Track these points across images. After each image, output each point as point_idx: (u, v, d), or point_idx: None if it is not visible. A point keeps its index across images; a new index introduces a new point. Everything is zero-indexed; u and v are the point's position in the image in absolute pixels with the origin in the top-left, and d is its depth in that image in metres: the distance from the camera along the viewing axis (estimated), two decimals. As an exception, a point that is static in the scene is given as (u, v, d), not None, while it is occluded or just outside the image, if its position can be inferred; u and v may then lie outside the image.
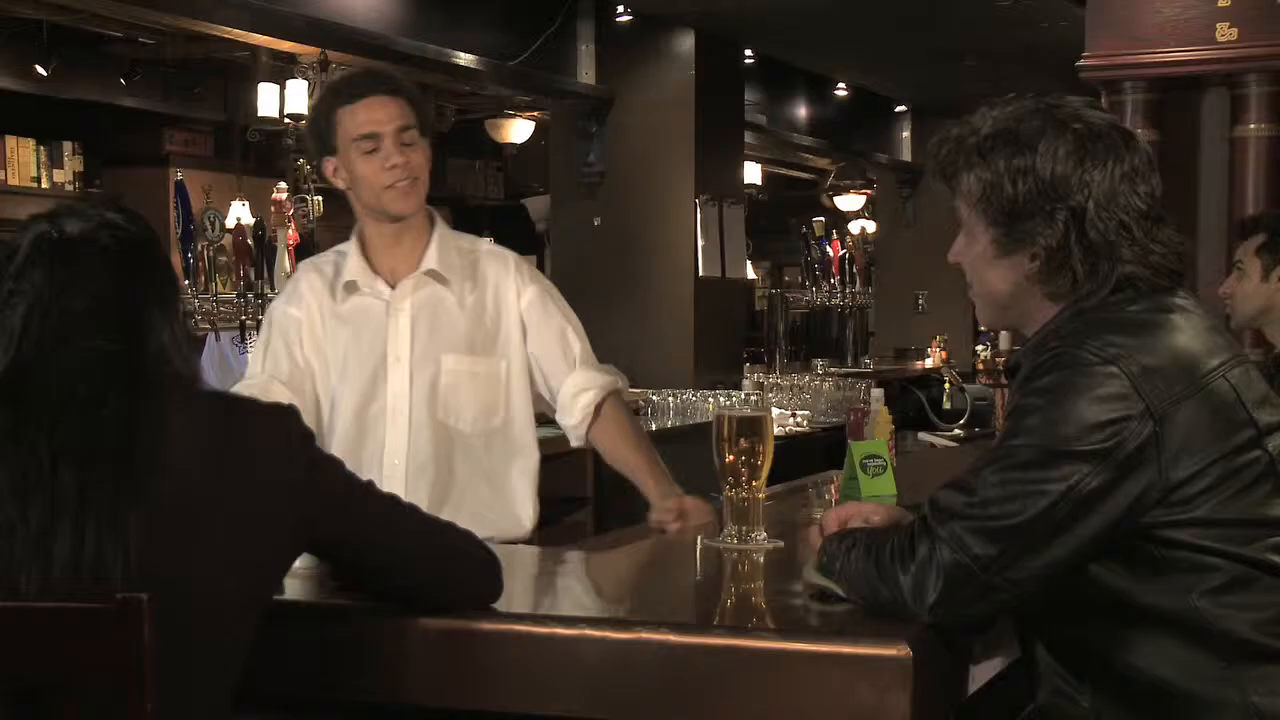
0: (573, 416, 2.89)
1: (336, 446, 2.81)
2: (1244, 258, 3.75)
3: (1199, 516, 1.79)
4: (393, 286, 2.86)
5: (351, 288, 2.87)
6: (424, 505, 2.69)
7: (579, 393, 2.88)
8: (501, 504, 2.87)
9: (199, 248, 5.73)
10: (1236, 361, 1.88)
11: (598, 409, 2.88)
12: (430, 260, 2.86)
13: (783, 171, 12.33)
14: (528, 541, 2.87)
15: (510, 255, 2.96)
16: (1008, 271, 1.95)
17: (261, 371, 2.89)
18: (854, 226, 12.64)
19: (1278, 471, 1.84)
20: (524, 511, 2.90)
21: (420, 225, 2.88)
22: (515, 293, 2.90)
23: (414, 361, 2.83)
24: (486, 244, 2.98)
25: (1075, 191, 1.87)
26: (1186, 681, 1.81)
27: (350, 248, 2.90)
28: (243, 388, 2.87)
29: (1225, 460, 1.80)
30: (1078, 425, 1.77)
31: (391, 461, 2.81)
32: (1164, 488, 1.78)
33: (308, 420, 2.72)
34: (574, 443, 2.95)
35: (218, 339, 5.72)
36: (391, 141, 2.77)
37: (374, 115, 2.77)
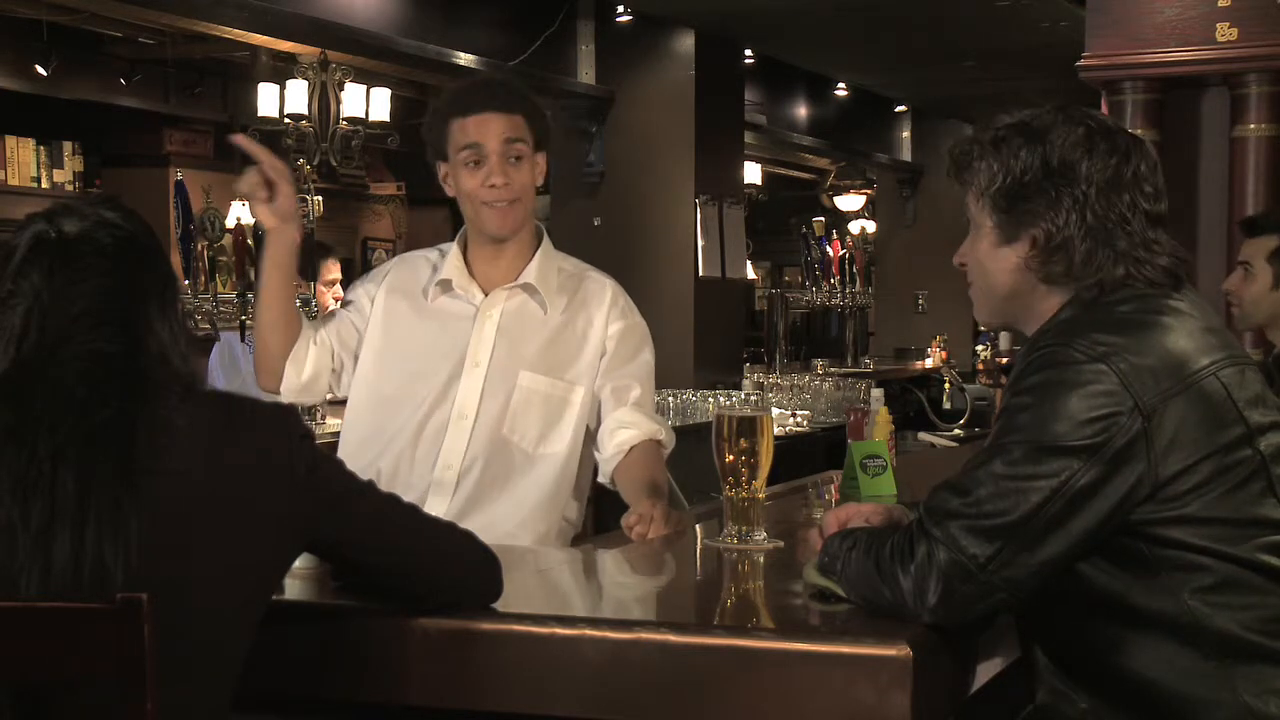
0: (606, 451, 2.82)
1: (394, 443, 2.79)
2: (1252, 259, 3.68)
3: (1189, 514, 1.80)
4: (486, 293, 2.83)
5: (445, 286, 2.84)
6: (462, 513, 2.70)
7: (618, 429, 2.81)
8: (537, 527, 2.80)
9: (199, 248, 5.73)
10: (1230, 361, 1.88)
11: (631, 450, 2.80)
12: (529, 275, 2.82)
13: (783, 171, 12.35)
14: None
15: (610, 284, 2.90)
16: (1009, 259, 1.96)
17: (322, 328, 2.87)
18: (854, 226, 12.68)
19: (1269, 471, 1.85)
20: (555, 535, 2.83)
21: (525, 241, 2.84)
22: (605, 322, 2.85)
23: (491, 371, 2.78)
24: (593, 270, 2.93)
25: (1080, 179, 1.91)
26: (1179, 681, 1.81)
27: (453, 249, 2.87)
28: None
29: (1215, 458, 1.81)
30: (1068, 421, 1.79)
31: (446, 464, 2.76)
32: (1154, 483, 1.79)
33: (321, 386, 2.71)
34: (602, 479, 2.88)
35: (242, 338, 5.64)
36: (496, 158, 2.73)
37: (481, 130, 2.74)
